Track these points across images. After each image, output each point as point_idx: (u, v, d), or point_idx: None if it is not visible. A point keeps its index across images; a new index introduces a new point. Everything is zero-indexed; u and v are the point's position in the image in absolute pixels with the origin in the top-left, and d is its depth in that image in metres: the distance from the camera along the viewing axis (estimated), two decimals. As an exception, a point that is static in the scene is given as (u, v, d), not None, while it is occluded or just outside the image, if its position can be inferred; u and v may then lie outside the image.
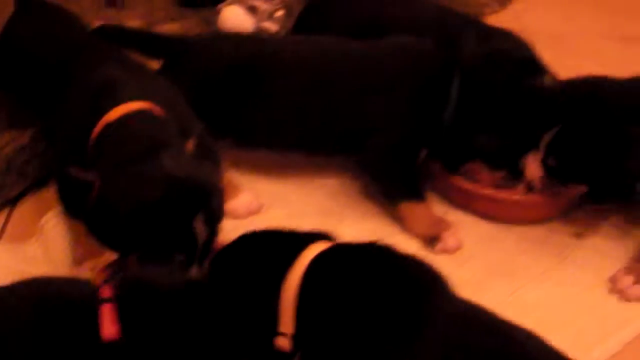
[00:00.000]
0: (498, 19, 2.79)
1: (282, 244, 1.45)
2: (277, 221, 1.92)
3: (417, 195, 1.99)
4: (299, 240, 1.45)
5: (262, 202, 2.03)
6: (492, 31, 2.29)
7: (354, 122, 2.01)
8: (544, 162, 1.88)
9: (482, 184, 2.02)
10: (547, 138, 1.86)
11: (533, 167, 1.91)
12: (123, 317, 1.27)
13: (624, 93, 1.83)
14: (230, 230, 1.61)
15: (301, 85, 2.01)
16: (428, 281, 1.40)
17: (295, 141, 2.07)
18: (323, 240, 1.46)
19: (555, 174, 1.89)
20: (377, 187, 2.04)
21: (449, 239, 1.94)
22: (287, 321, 1.37)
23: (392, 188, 2.01)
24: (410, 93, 1.99)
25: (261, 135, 2.06)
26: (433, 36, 2.17)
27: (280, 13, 2.68)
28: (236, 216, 1.95)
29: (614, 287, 1.86)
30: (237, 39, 2.18)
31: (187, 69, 2.02)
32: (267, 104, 2.02)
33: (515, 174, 1.98)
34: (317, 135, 2.05)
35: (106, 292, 1.30)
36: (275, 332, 1.38)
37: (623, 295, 1.84)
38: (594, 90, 1.83)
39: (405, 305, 1.34)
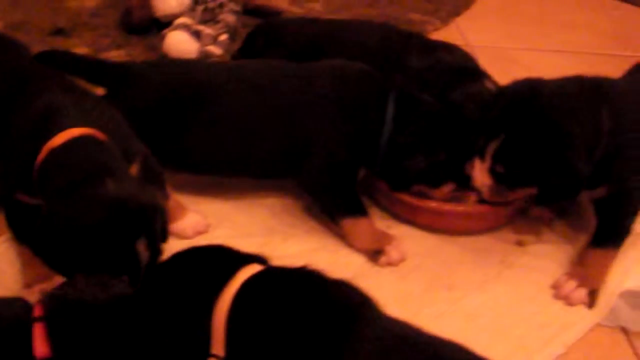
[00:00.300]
0: (441, 36, 2.84)
1: (215, 266, 1.46)
2: (223, 241, 1.91)
3: (358, 210, 2.00)
4: (232, 262, 1.46)
5: (208, 222, 2.03)
6: (435, 45, 2.33)
7: (290, 145, 2.00)
8: (492, 170, 1.88)
9: (435, 198, 2.03)
10: (492, 146, 1.85)
11: (481, 176, 1.91)
12: (52, 335, 1.28)
13: (559, 93, 1.83)
14: (177, 250, 1.62)
15: (239, 111, 2.00)
16: (355, 306, 1.40)
17: (235, 167, 2.07)
18: (256, 263, 1.48)
19: (503, 180, 1.89)
20: (318, 205, 2.04)
21: (392, 252, 1.95)
22: (218, 343, 1.38)
23: (332, 206, 2.00)
24: (343, 115, 1.98)
25: (201, 162, 2.06)
26: (379, 55, 2.21)
27: (224, 37, 2.71)
28: (184, 236, 1.97)
29: (558, 293, 1.89)
30: (174, 66, 2.17)
31: (127, 96, 2.00)
32: (206, 131, 2.00)
33: (464, 185, 1.99)
34: (255, 161, 2.04)
35: (38, 311, 1.30)
36: (207, 354, 1.38)
37: (567, 300, 1.87)
38: (531, 93, 1.83)
39: (328, 333, 1.34)
